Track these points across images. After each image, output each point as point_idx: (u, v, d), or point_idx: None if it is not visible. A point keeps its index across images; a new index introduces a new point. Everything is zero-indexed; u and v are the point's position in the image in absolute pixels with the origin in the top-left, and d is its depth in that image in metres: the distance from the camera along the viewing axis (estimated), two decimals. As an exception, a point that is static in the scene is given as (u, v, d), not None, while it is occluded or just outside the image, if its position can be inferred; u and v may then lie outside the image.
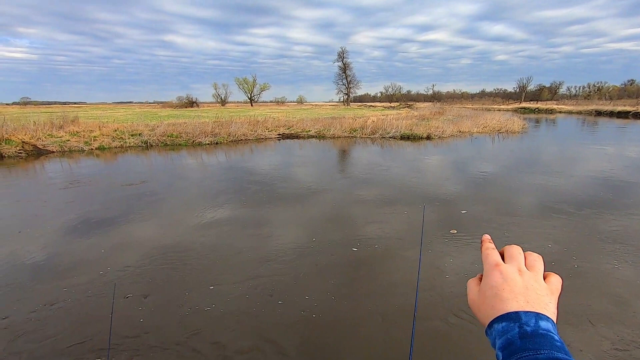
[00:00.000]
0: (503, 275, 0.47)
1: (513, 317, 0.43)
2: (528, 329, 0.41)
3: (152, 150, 15.64)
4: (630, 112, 41.84)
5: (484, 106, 70.99)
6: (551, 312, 0.44)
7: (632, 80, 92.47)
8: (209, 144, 17.35)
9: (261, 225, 5.91)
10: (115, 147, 15.99)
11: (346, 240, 5.23)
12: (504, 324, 0.43)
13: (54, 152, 14.63)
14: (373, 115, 31.63)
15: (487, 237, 0.56)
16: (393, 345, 3.03)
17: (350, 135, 20.59)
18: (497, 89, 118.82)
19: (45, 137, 15.54)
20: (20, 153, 13.86)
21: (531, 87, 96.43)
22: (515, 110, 55.99)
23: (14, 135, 14.62)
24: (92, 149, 15.46)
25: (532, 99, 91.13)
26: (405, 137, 19.28)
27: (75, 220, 6.19)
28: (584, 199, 7.19)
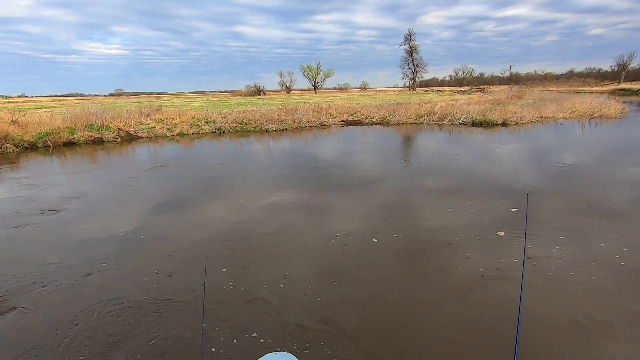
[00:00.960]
0: None
1: None
2: None
3: (224, 136, 16.75)
4: None
5: (572, 88, 62.85)
6: None
7: None
8: (275, 130, 18.03)
9: (323, 211, 6.05)
10: (193, 134, 17.42)
11: (407, 231, 5.13)
12: None
13: (142, 137, 16.44)
14: (441, 100, 29.98)
15: None
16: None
17: (416, 121, 19.82)
18: (589, 69, 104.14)
19: (135, 124, 17.50)
20: (117, 138, 15.82)
21: (634, 64, 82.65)
22: (612, 93, 48.65)
23: (111, 122, 16.71)
24: (173, 135, 17.05)
25: (635, 79, 78.13)
26: (477, 124, 18.00)
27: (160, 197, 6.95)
28: (701, 196, 6.10)
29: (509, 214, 5.56)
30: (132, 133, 16.47)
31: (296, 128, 18.71)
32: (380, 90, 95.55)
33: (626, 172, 7.95)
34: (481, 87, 71.31)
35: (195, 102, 39.77)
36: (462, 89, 77.16)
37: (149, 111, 20.15)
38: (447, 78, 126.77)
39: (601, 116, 19.72)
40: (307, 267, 4.15)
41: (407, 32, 72.99)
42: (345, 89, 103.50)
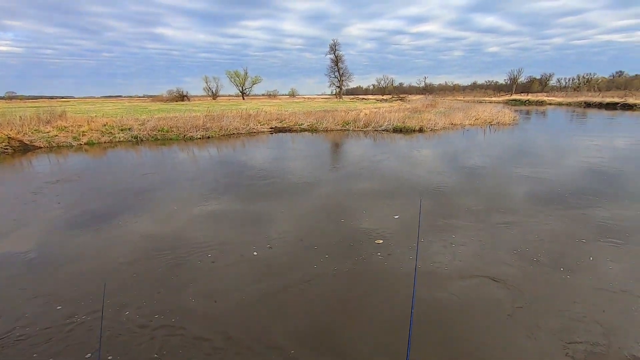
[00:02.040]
0: None
1: None
2: None
3: (142, 145, 15.43)
4: (618, 103, 42.39)
5: (476, 98, 71.30)
6: None
7: (621, 71, 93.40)
8: (200, 138, 17.17)
9: (256, 218, 5.88)
10: (105, 142, 15.73)
11: (340, 232, 5.24)
12: None
13: (41, 147, 14.35)
14: (365, 108, 31.58)
15: None
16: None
17: (343, 128, 20.54)
18: (489, 81, 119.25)
19: (32, 133, 15.22)
20: (7, 148, 13.57)
21: (522, 79, 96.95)
22: (506, 102, 56.35)
23: (-1, 130, 14.28)
24: (80, 144, 15.20)
25: (523, 90, 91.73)
26: (397, 130, 19.30)
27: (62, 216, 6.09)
28: (573, 190, 7.30)
29: (427, 212, 6.01)
30: (27, 142, 14.29)
31: (223, 135, 18.06)
32: (308, 98, 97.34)
33: (517, 171, 9.19)
34: (401, 95, 76.85)
35: (108, 108, 36.09)
36: (384, 97, 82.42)
37: (49, 117, 17.70)
38: (371, 87, 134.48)
39: (498, 123, 22.62)
40: (234, 282, 3.96)
41: (332, 42, 75.61)
42: (274, 95, 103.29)
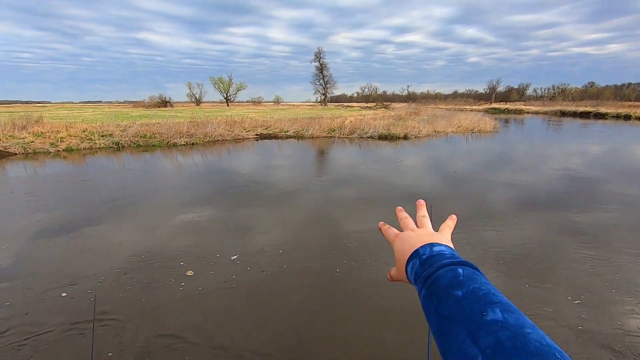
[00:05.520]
0: (402, 239, 0.58)
1: (414, 255, 0.53)
2: (425, 256, 0.51)
3: (124, 151, 15.05)
4: (590, 112, 44.28)
5: (457, 107, 73.08)
6: (445, 240, 0.56)
7: (592, 82, 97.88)
8: (184, 144, 16.90)
9: (241, 227, 5.79)
10: (85, 149, 15.28)
11: (322, 241, 5.22)
12: (410, 264, 0.53)
13: (16, 154, 13.81)
14: (350, 115, 31.86)
15: (381, 223, 0.67)
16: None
17: (329, 135, 20.63)
18: (469, 90, 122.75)
19: (6, 139, 14.65)
20: (-21, 155, 12.98)
21: (501, 88, 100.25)
22: (487, 111, 57.98)
23: (-29, 136, 13.68)
24: (58, 150, 14.70)
25: (502, 99, 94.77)
26: (382, 137, 19.52)
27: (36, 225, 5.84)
28: (550, 195, 7.53)
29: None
30: (0, 149, 13.72)
31: (208, 142, 17.83)
32: (293, 105, 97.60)
33: (499, 177, 9.41)
34: (385, 103, 78.07)
35: (87, 114, 35.19)
36: (369, 104, 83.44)
37: (25, 123, 17.10)
38: (355, 94, 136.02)
39: (480, 131, 23.20)
40: (225, 289, 3.87)
41: (317, 50, 76.32)
42: (259, 102, 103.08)
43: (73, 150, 14.97)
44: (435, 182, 8.98)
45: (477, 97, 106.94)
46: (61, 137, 15.75)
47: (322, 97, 77.56)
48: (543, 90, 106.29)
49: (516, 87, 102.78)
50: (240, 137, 19.45)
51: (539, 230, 5.59)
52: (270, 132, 20.92)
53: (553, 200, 7.18)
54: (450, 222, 0.64)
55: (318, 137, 20.16)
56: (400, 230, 0.62)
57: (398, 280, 0.59)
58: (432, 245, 0.53)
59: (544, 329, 0.43)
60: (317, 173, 10.67)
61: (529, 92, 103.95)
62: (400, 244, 0.58)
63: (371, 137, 19.64)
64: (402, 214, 0.66)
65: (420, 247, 0.53)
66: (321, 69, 76.14)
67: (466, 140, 18.74)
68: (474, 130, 23.26)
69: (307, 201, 7.33)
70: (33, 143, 14.74)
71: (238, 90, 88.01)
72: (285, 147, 16.63)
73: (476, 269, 0.46)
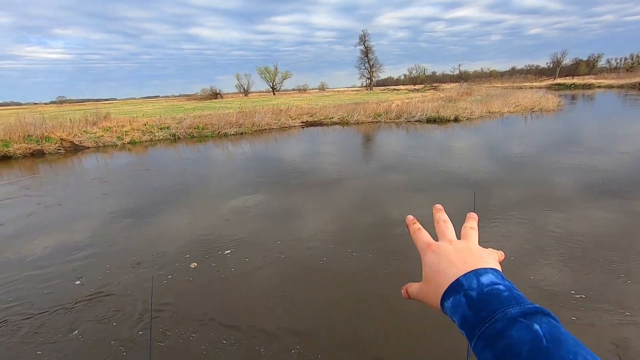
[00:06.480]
0: (436, 252, 0.47)
1: (456, 288, 0.41)
2: (473, 293, 0.39)
3: (180, 142, 16.06)
4: (679, 83, 38.53)
5: (515, 84, 67.51)
6: (492, 263, 0.44)
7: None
8: (234, 134, 17.59)
9: (289, 213, 5.94)
10: (146, 141, 16.53)
11: (377, 227, 5.17)
12: (451, 299, 0.41)
13: (89, 147, 15.33)
14: (397, 99, 30.91)
15: (410, 218, 0.54)
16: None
17: (374, 120, 20.23)
18: (529, 66, 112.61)
19: (81, 134, 16.29)
20: (60, 149, 14.61)
21: (566, 61, 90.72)
22: (549, 87, 52.92)
23: (52, 132, 15.41)
24: (124, 143, 16.06)
25: (568, 74, 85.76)
26: (431, 120, 18.72)
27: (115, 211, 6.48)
28: (625, 180, 6.73)
29: (465, 207, 5.79)
30: (77, 143, 15.31)
31: (256, 131, 18.38)
32: (338, 91, 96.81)
33: (564, 160, 8.60)
34: (434, 85, 74.53)
35: (147, 108, 37.90)
36: (416, 87, 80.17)
37: (95, 119, 18.87)
38: (402, 77, 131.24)
39: (541, 110, 21.30)
40: (275, 276, 4.03)
41: (362, 32, 74.52)
42: (304, 90, 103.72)
43: (136, 142, 16.27)
44: (488, 167, 8.46)
45: (539, 73, 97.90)
46: (126, 131, 17.17)
47: (368, 81, 75.95)
48: (618, 60, 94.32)
49: (585, 59, 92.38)
50: (286, 125, 19.79)
51: (615, 219, 5.05)
52: (316, 120, 21.00)
53: (632, 185, 6.43)
54: (474, 223, 0.52)
55: (363, 123, 19.86)
56: (435, 237, 0.51)
57: (420, 301, 0.47)
58: (477, 274, 0.41)
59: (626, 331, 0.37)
60: (362, 159, 10.56)
61: (601, 63, 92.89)
62: (433, 259, 0.46)
63: (419, 121, 18.92)
64: (441, 214, 0.53)
65: (463, 276, 0.41)
66: (366, 52, 74.37)
67: (525, 120, 17.32)
68: (535, 109, 21.40)
69: (353, 188, 7.30)
70: (103, 137, 16.25)
71: (284, 79, 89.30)
72: (331, 133, 16.62)
73: (551, 316, 0.35)
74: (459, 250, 0.46)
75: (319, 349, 2.87)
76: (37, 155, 13.96)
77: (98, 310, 3.51)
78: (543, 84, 65.55)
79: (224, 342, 2.99)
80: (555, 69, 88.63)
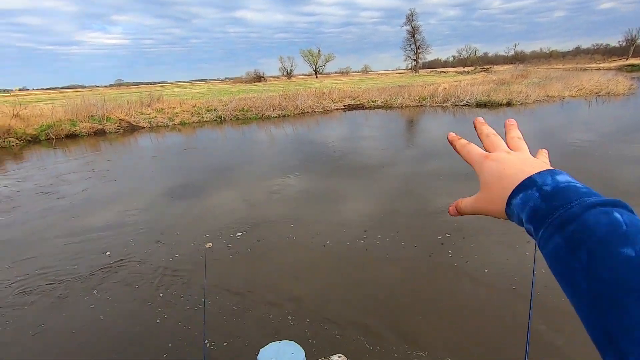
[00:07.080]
0: (496, 161, 0.42)
1: (527, 184, 0.37)
2: (548, 188, 0.35)
3: (225, 124, 16.65)
4: None
5: (579, 65, 61.41)
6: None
7: None
8: (277, 117, 17.88)
9: (332, 197, 6.01)
10: (194, 122, 17.33)
11: (415, 215, 5.10)
12: (521, 195, 0.37)
13: (144, 127, 16.38)
14: (444, 81, 29.51)
15: (452, 134, 0.49)
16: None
17: (419, 104, 19.53)
18: (596, 45, 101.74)
19: (136, 115, 17.42)
20: (119, 129, 15.78)
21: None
22: (620, 69, 47.56)
23: (112, 113, 16.64)
24: (175, 124, 16.97)
25: (644, 53, 76.28)
26: (481, 105, 17.71)
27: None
28: None
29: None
30: (133, 123, 16.42)
31: (298, 114, 18.53)
32: (382, 74, 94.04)
33: (633, 153, 7.80)
34: (485, 67, 70.02)
35: (196, 91, 39.49)
36: (466, 69, 75.77)
37: (149, 101, 20.02)
38: (451, 59, 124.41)
39: (609, 93, 19.31)
40: (320, 253, 4.14)
41: (409, 12, 71.26)
42: (347, 72, 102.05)
43: (185, 123, 17.12)
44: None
45: (608, 53, 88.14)
46: (176, 113, 18.09)
47: (414, 63, 73.00)
48: None
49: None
50: (328, 108, 19.72)
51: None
52: (358, 103, 20.70)
53: None
54: (518, 132, 0.48)
55: (408, 107, 19.26)
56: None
57: (475, 213, 0.44)
58: (552, 172, 0.37)
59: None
60: (405, 144, 10.31)
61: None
62: (496, 166, 0.42)
63: (467, 105, 17.98)
64: (488, 128, 0.48)
65: (537, 174, 0.37)
66: (413, 32, 71.20)
67: (589, 105, 15.83)
68: (601, 93, 19.45)
69: (397, 174, 7.20)
70: (156, 118, 17.27)
71: (326, 62, 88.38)
72: (373, 117, 16.34)
73: (635, 213, 0.31)
74: (522, 160, 0.42)
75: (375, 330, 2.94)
76: (99, 134, 15.19)
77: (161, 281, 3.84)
78: (613, 64, 59.04)
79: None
80: (629, 48, 79.11)
